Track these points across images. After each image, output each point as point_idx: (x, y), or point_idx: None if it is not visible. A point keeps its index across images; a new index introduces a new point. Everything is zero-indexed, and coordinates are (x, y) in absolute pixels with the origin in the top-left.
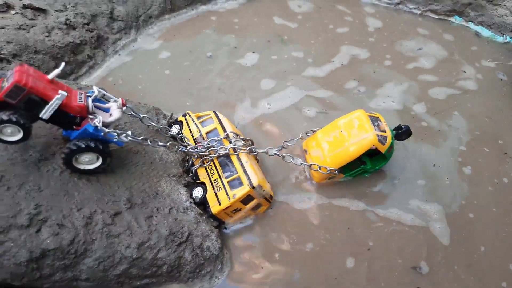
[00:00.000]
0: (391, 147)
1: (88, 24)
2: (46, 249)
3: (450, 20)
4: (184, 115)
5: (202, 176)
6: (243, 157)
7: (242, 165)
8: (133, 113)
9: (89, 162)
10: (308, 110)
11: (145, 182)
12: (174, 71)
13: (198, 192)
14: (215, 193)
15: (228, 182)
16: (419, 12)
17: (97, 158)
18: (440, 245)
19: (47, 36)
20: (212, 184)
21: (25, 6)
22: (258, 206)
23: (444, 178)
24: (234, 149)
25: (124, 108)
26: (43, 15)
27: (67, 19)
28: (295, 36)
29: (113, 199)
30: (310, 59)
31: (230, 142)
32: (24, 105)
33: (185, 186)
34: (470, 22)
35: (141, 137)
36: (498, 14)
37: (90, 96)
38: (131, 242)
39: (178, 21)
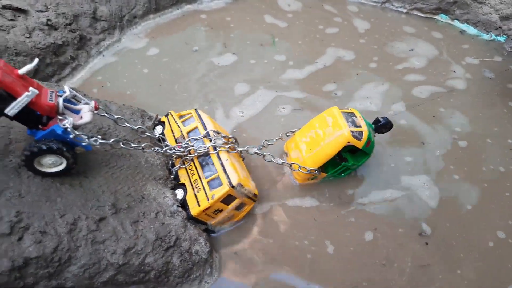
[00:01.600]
0: (369, 141)
1: (70, 24)
2: (28, 258)
3: (436, 19)
4: (166, 115)
5: (183, 177)
6: (223, 155)
7: (222, 164)
8: (105, 114)
9: (52, 165)
10: (283, 108)
11: (131, 186)
12: (158, 71)
13: (178, 194)
14: (195, 194)
15: (207, 182)
16: (405, 10)
17: (61, 161)
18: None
19: (28, 37)
20: (192, 185)
21: (4, 7)
22: (241, 205)
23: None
24: (214, 148)
25: (97, 111)
26: (23, 16)
27: (48, 20)
28: (284, 36)
29: (98, 204)
30: (291, 61)
31: (211, 141)
32: None
33: (171, 189)
34: (455, 20)
35: (112, 139)
36: (483, 12)
37: (61, 96)
38: (117, 248)
39: (163, 21)
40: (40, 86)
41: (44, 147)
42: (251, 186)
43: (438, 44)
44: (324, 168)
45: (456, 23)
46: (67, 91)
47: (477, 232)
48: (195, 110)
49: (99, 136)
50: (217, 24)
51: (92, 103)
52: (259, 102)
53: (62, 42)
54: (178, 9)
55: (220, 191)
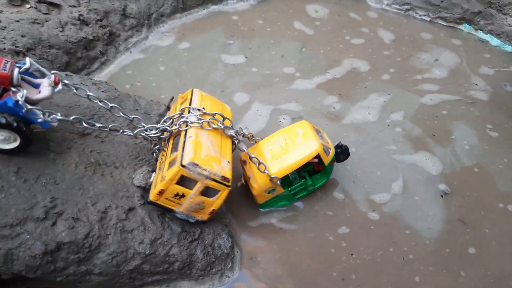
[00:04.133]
0: (333, 161)
1: (101, 20)
2: (61, 242)
3: (459, 28)
4: (171, 99)
5: (159, 159)
6: (190, 132)
7: (184, 142)
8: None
9: (4, 141)
10: (283, 119)
11: None
12: (182, 68)
13: (153, 177)
14: (156, 176)
15: (169, 162)
16: (428, 19)
17: (15, 138)
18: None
19: (61, 31)
20: (159, 167)
21: (39, 1)
22: (211, 191)
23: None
24: (187, 124)
25: (60, 87)
26: (57, 10)
27: (80, 15)
28: (308, 44)
29: (127, 194)
30: (302, 71)
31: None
32: None
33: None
34: (479, 31)
35: (73, 117)
36: (508, 24)
37: (20, 68)
38: (145, 238)
39: (189, 20)
40: None
41: None
42: (215, 167)
43: (460, 54)
44: (281, 183)
45: (480, 33)
46: (27, 63)
47: None
48: (192, 89)
49: (59, 114)
50: (240, 25)
51: (52, 77)
52: (259, 116)
53: (92, 37)
54: (204, 9)
55: (171, 172)
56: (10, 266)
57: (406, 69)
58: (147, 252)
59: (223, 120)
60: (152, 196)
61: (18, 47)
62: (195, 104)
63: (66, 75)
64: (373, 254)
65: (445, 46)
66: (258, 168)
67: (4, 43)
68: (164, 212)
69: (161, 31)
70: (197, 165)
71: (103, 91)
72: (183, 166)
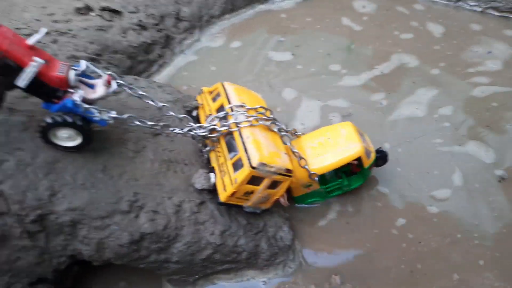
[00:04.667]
0: (372, 165)
1: (157, 24)
2: (144, 233)
3: None
4: (200, 93)
5: (213, 160)
6: (245, 132)
7: (243, 143)
8: (129, 90)
9: (68, 138)
10: (333, 116)
11: None
12: (233, 67)
13: (212, 178)
14: (222, 178)
15: (232, 164)
16: (480, 9)
17: (77, 136)
18: None
19: (124, 37)
20: (219, 168)
21: (103, 8)
22: (276, 183)
23: None
24: (237, 125)
25: (115, 86)
26: (118, 17)
27: (139, 20)
28: (356, 39)
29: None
30: (350, 67)
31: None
32: (0, 69)
33: (207, 172)
34: None
35: (127, 115)
36: None
37: (76, 70)
38: (215, 229)
39: (237, 21)
40: (52, 58)
41: (59, 119)
42: (279, 162)
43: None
44: (319, 179)
45: None
46: (82, 65)
47: None
48: (222, 83)
49: (113, 112)
50: (289, 23)
51: (105, 77)
52: (310, 112)
53: (151, 41)
54: (251, 9)
55: (242, 174)
56: (102, 254)
57: (458, 63)
58: (217, 243)
59: (265, 111)
60: (223, 198)
61: (88, 53)
62: (234, 100)
63: (134, 79)
64: (441, 242)
65: (498, 37)
66: (299, 163)
67: (77, 51)
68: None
69: (212, 32)
70: (265, 164)
71: (168, 93)
72: (253, 167)
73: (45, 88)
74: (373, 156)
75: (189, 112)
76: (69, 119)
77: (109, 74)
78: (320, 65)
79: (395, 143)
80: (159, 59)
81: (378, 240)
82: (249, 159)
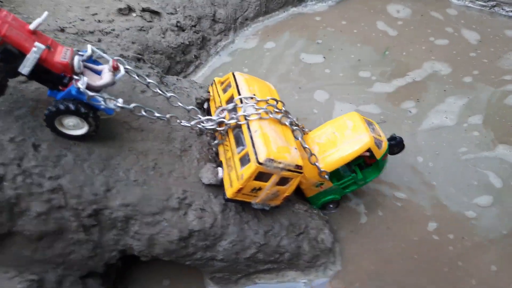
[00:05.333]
0: (386, 154)
1: (194, 26)
2: (192, 230)
3: None
4: (211, 84)
5: (221, 153)
6: (254, 125)
7: (251, 137)
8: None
9: (74, 127)
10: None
11: None
12: (266, 68)
13: (220, 173)
14: (228, 174)
15: (239, 159)
16: None
17: (83, 125)
18: None
19: (163, 38)
20: (226, 163)
21: (143, 9)
22: (285, 180)
23: None
24: (245, 117)
25: (122, 72)
26: (158, 18)
27: (178, 22)
28: (390, 45)
29: None
30: (381, 74)
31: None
32: (1, 55)
33: (215, 167)
34: None
35: (133, 105)
36: None
37: (82, 55)
38: (259, 229)
39: (271, 23)
40: (55, 43)
41: (62, 107)
42: (288, 158)
43: None
44: (330, 177)
45: None
46: (88, 50)
47: None
48: (233, 73)
49: (120, 100)
50: (324, 26)
51: (110, 62)
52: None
53: (188, 42)
54: (284, 11)
55: (248, 170)
56: (152, 249)
57: (492, 71)
58: (261, 242)
59: (277, 103)
60: (230, 194)
61: (130, 53)
62: (244, 91)
63: (177, 79)
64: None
65: None
66: (309, 160)
67: (124, 50)
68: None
69: (246, 34)
70: (273, 160)
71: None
72: (260, 163)
73: (50, 75)
74: (384, 145)
75: (200, 105)
76: (72, 107)
77: (115, 59)
78: (351, 70)
79: (427, 155)
80: (195, 60)
81: (418, 246)
82: (256, 154)
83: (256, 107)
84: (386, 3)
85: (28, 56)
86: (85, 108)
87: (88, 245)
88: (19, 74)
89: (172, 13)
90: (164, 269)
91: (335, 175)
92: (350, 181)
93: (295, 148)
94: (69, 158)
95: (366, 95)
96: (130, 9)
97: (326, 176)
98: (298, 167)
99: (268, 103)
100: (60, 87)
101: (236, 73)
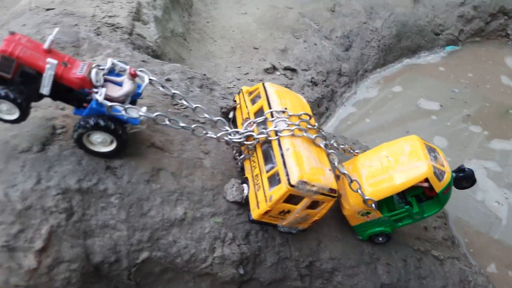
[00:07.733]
0: (448, 187)
1: (325, 80)
2: (384, 283)
3: None
4: (238, 93)
5: (247, 169)
6: (285, 143)
7: (282, 155)
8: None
9: (102, 143)
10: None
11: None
12: (387, 116)
13: (246, 190)
14: (255, 193)
15: (267, 178)
16: None
17: (111, 141)
18: None
19: (302, 93)
20: (253, 180)
21: (285, 68)
22: (316, 204)
23: None
24: (276, 133)
25: (146, 81)
26: (296, 75)
27: (312, 78)
28: None
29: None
30: (490, 131)
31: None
32: (20, 79)
33: (241, 183)
34: None
35: (156, 113)
36: None
37: (102, 69)
38: (435, 285)
39: (386, 74)
40: (72, 59)
41: (92, 122)
42: (322, 180)
43: None
44: (380, 206)
45: None
46: (108, 63)
47: None
48: (263, 83)
49: (143, 108)
50: (448, 76)
51: (127, 69)
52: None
53: (321, 95)
54: (399, 63)
55: (278, 192)
56: None
57: None
58: None
59: (310, 119)
60: (256, 215)
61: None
62: (275, 105)
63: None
64: None
65: None
66: (350, 186)
67: None
68: (442, 261)
69: (366, 85)
70: (306, 182)
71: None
72: (292, 185)
73: (72, 94)
74: (447, 177)
75: (225, 114)
76: (101, 122)
77: (132, 67)
78: (466, 121)
79: None
80: (326, 112)
81: None
82: (287, 175)
83: (288, 122)
84: (503, 56)
85: (44, 74)
86: (112, 122)
87: None
88: (43, 96)
89: (305, 69)
90: None
91: (387, 204)
92: (403, 213)
93: (330, 170)
94: None
95: (482, 150)
96: (274, 68)
97: (372, 205)
98: (332, 190)
99: (300, 118)
100: (85, 105)
101: (266, 84)
